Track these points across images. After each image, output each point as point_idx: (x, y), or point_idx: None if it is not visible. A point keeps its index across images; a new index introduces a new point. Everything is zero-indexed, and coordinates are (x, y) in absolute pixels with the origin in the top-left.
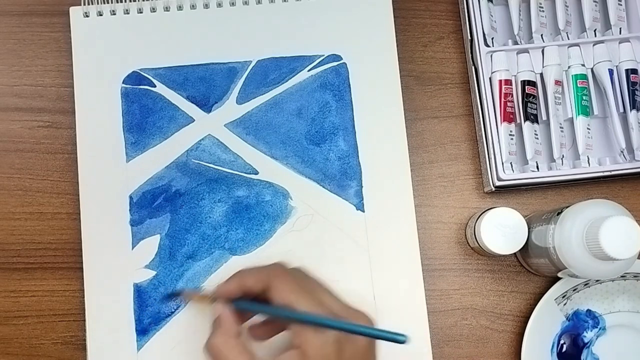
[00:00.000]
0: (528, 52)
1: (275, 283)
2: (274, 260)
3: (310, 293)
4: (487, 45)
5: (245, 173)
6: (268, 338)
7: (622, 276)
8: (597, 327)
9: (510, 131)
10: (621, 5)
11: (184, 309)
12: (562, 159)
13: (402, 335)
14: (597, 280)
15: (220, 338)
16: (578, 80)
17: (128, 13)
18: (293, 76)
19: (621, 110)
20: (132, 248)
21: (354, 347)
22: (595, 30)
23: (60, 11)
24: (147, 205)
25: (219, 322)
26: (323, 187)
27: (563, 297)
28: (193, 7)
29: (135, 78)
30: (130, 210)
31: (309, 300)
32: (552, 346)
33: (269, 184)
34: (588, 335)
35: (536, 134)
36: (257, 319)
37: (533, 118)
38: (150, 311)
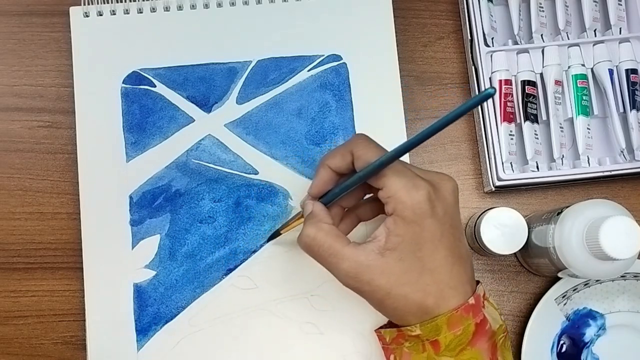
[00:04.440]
0: (528, 52)
1: (362, 155)
2: (274, 260)
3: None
4: (487, 45)
5: (245, 173)
6: (351, 229)
7: (622, 276)
8: (597, 327)
9: (510, 131)
10: (621, 5)
11: (184, 309)
12: (562, 159)
13: (489, 89)
14: (597, 280)
15: (313, 227)
16: (578, 80)
17: (128, 13)
18: (293, 76)
19: (621, 110)
20: (132, 248)
21: (444, 203)
22: (595, 30)
23: (60, 11)
24: (147, 205)
25: (311, 215)
26: None
27: (563, 297)
28: (193, 7)
29: (135, 78)
30: (130, 210)
31: (396, 162)
32: (552, 346)
33: (269, 184)
34: (588, 335)
35: (536, 134)
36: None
37: (533, 118)
38: (150, 311)
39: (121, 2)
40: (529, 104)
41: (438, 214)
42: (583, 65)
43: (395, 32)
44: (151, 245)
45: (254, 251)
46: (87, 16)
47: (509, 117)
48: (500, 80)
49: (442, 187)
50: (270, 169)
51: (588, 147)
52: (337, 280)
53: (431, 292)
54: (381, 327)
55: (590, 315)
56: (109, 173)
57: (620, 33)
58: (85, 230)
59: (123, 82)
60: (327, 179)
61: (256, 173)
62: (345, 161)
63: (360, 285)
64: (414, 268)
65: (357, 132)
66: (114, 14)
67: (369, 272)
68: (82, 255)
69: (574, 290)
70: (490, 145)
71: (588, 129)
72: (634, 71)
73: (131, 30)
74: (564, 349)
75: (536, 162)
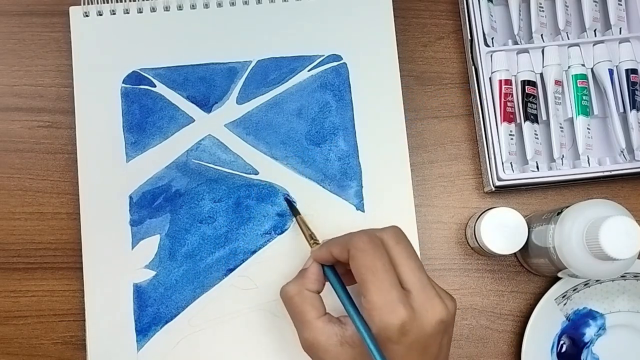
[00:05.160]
0: (528, 52)
1: (354, 256)
2: (274, 260)
3: (389, 269)
4: (487, 45)
5: (245, 173)
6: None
7: (622, 276)
8: (597, 327)
9: (510, 131)
10: (621, 5)
11: (184, 309)
12: (562, 159)
13: None
14: (597, 280)
15: (297, 287)
16: (578, 80)
17: (128, 13)
18: (293, 76)
19: (621, 110)
20: (132, 248)
21: (419, 334)
22: (595, 30)
23: (60, 11)
24: (147, 205)
25: (303, 272)
26: (323, 187)
27: (563, 297)
28: (193, 7)
29: (135, 78)
30: (130, 210)
31: (384, 278)
32: (552, 346)
33: (269, 184)
34: (588, 335)
35: (536, 134)
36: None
37: (533, 118)
38: (150, 311)
39: (121, 2)
40: (529, 104)
41: (405, 342)
42: (583, 65)
43: (395, 32)
44: (151, 245)
45: (254, 251)
46: (87, 16)
47: (509, 117)
48: (500, 80)
49: (426, 316)
50: (271, 169)
51: (588, 147)
52: None
53: None
54: None
55: (590, 315)
56: (109, 173)
57: (620, 33)
58: (85, 230)
59: (123, 82)
60: (327, 259)
61: (256, 173)
62: (344, 257)
63: (312, 356)
64: None
65: (361, 231)
66: (114, 14)
67: (323, 354)
68: (82, 255)
69: (574, 290)
70: (490, 145)
71: (588, 129)
72: (634, 71)
73: (131, 30)
74: (564, 349)
75: (536, 162)
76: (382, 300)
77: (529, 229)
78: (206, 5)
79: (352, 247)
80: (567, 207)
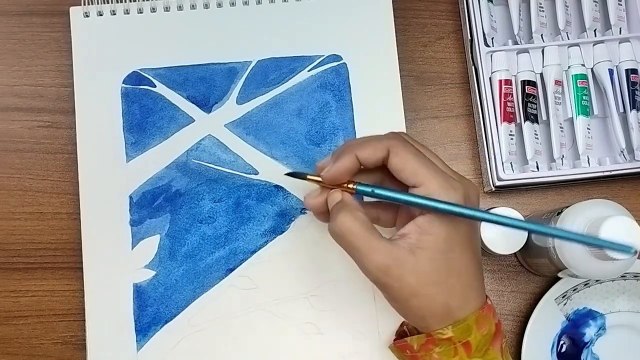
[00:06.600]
0: (528, 52)
1: (396, 150)
2: (274, 260)
3: (429, 160)
4: (487, 45)
5: (245, 173)
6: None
7: (622, 276)
8: (597, 327)
9: (510, 131)
10: (621, 5)
11: (184, 309)
12: (562, 159)
13: (627, 247)
14: (597, 280)
15: (350, 215)
16: (578, 80)
17: (128, 13)
18: (293, 76)
19: (621, 110)
20: (132, 248)
21: (476, 200)
22: (595, 30)
23: (60, 11)
24: (147, 205)
25: (342, 204)
26: None
27: (563, 297)
28: (193, 7)
29: (135, 78)
30: (130, 210)
31: (430, 164)
32: (552, 346)
33: (269, 184)
34: (588, 335)
35: (536, 134)
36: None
37: (533, 118)
38: (150, 311)
39: (121, 2)
40: (529, 104)
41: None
42: (583, 65)
43: (395, 32)
44: (151, 245)
45: (254, 251)
46: (87, 16)
47: (509, 117)
48: (500, 80)
49: (471, 190)
50: (271, 169)
51: (588, 147)
52: (337, 281)
53: (455, 293)
54: (399, 337)
55: (590, 315)
56: (109, 173)
57: (620, 33)
58: (85, 230)
59: (123, 82)
60: (351, 168)
61: (256, 173)
62: (377, 156)
63: (389, 281)
64: (442, 268)
65: (392, 132)
66: (114, 14)
67: (401, 268)
68: (82, 255)
69: (574, 290)
70: (490, 145)
71: (588, 129)
72: (634, 71)
73: (131, 30)
74: (564, 349)
75: (536, 162)
76: (440, 181)
77: None
78: (206, 5)
79: (393, 147)
80: (567, 207)
